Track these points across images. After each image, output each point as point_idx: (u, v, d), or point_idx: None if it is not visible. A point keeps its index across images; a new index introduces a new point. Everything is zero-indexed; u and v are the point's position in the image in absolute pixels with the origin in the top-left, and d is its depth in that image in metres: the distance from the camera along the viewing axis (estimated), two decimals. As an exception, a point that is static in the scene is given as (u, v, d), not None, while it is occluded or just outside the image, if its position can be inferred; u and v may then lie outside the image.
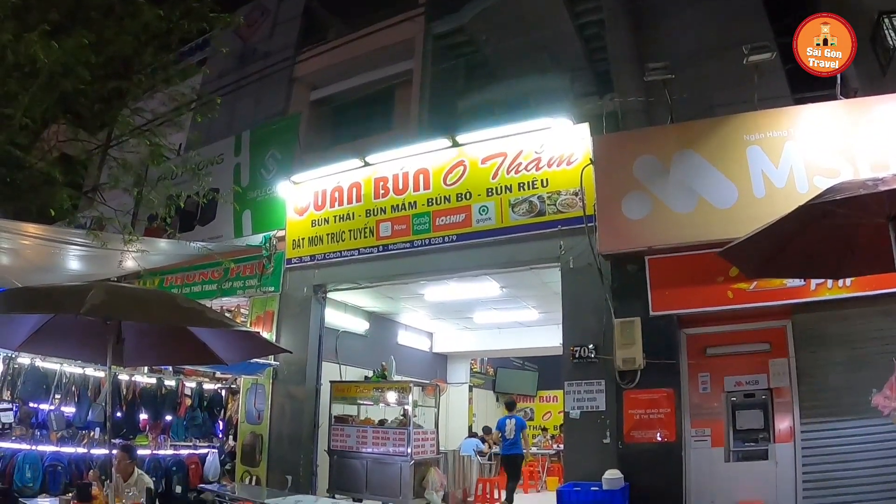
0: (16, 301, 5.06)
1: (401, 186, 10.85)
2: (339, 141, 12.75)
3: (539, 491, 14.81)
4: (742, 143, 8.26)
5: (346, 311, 13.58)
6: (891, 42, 9.14)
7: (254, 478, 11.24)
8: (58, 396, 9.77)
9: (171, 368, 11.20)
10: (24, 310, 5.21)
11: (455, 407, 17.80)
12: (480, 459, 13.88)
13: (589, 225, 8.94)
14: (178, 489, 10.53)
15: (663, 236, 8.33)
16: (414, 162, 10.79)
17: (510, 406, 14.05)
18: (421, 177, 10.68)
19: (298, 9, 17.64)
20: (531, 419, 22.18)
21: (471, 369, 19.19)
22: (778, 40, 9.31)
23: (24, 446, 9.02)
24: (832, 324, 8.18)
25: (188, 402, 11.65)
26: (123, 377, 10.59)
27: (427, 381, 13.11)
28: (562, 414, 9.22)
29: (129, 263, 11.22)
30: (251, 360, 10.35)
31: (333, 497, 10.44)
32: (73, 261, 11.45)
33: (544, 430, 20.12)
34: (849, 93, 8.45)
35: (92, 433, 9.88)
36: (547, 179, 9.63)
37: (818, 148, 7.95)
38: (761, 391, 8.40)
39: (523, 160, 9.86)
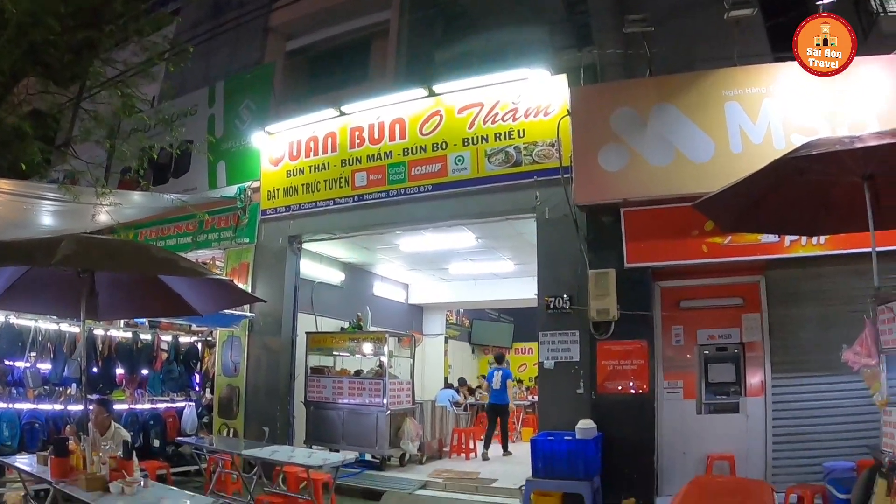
0: (-13, 255, 4.92)
1: (376, 136, 10.69)
2: (315, 91, 12.49)
3: (514, 441, 14.85)
4: (720, 98, 8.17)
5: (321, 263, 13.49)
6: (873, 6, 9.02)
7: (231, 430, 11.24)
8: (33, 353, 9.64)
9: (146, 322, 11.04)
10: (-5, 263, 5.06)
11: (431, 358, 17.90)
12: (456, 410, 13.91)
13: (565, 176, 8.84)
14: (156, 443, 10.49)
15: (639, 189, 8.25)
16: (390, 112, 10.61)
17: (499, 359, 14.15)
18: (397, 126, 10.53)
19: (274, -44, 17.04)
20: (505, 369, 22.37)
21: (446, 321, 19.27)
22: (760, -4, 9.18)
23: (1, 405, 8.92)
24: (805, 281, 8.25)
25: (164, 355, 11.53)
26: (99, 332, 10.47)
27: (403, 333, 13.09)
28: (537, 366, 9.21)
29: (103, 217, 11.07)
30: (226, 312, 10.36)
31: (310, 448, 10.42)
32: (46, 216, 11.29)
33: (519, 381, 20.03)
34: None
35: (68, 389, 9.76)
36: (523, 130, 9.52)
37: (797, 106, 7.89)
38: (733, 345, 8.45)
39: (500, 110, 9.74)
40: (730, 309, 8.55)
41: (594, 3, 12.63)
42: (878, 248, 5.27)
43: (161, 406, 10.98)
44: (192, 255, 12.11)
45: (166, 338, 11.69)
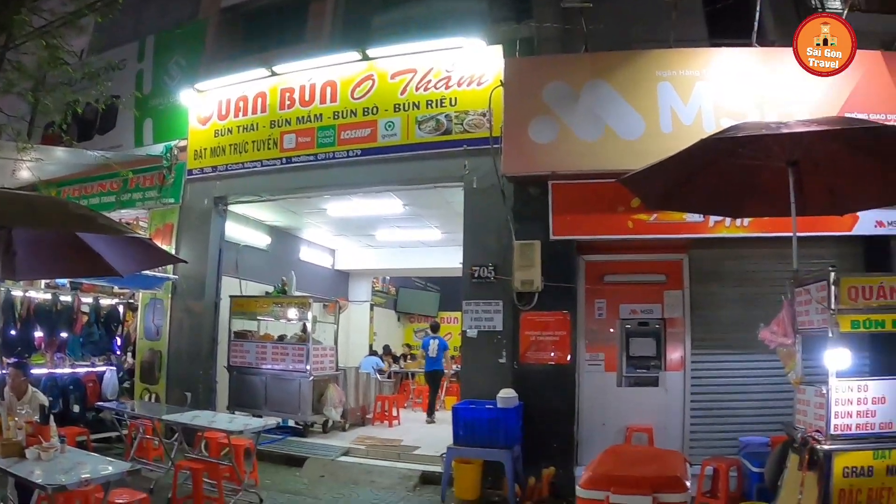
0: None
1: (307, 98, 10.22)
2: (248, 51, 11.86)
3: (437, 410, 14.80)
4: (654, 78, 8.05)
5: (247, 225, 13.01)
6: (813, 2, 8.97)
7: (153, 395, 10.77)
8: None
9: (67, 284, 10.49)
10: None
11: (356, 325, 17.63)
12: (380, 377, 13.75)
13: (495, 146, 8.59)
14: (76, 408, 9.94)
15: (568, 162, 8.05)
16: (322, 74, 10.16)
17: (434, 328, 14.64)
18: (328, 89, 10.08)
19: None
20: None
21: (373, 288, 19.00)
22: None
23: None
24: (727, 261, 8.36)
25: (85, 318, 10.95)
26: (17, 293, 9.90)
27: (328, 298, 12.74)
28: (462, 335, 9.00)
29: (24, 174, 10.50)
30: (148, 274, 9.93)
31: (233, 414, 10.01)
32: (-38, 170, 10.51)
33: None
34: (765, 44, 8.37)
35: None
36: (456, 98, 9.24)
37: (728, 91, 7.88)
38: (655, 320, 8.50)
39: (433, 78, 9.42)
40: (653, 285, 8.57)
41: (534, -24, 12.37)
42: (798, 234, 5.33)
43: (81, 370, 10.37)
44: (115, 215, 11.45)
45: (87, 300, 11.07)
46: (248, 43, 12.29)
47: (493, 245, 8.67)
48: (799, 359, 5.16)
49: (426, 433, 11.28)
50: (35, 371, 8.80)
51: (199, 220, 10.98)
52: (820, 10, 8.67)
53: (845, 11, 7.80)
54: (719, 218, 7.69)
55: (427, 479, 8.44)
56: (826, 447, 4.64)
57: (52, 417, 5.79)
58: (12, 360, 8.00)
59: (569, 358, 8.14)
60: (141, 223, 11.99)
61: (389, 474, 8.66)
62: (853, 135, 5.03)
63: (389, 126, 9.52)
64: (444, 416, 12.50)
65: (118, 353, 11.40)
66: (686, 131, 7.50)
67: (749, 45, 8.19)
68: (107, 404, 9.21)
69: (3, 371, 6.15)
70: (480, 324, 8.64)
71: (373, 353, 16.13)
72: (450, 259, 11.99)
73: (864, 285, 4.85)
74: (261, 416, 9.86)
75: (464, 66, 9.27)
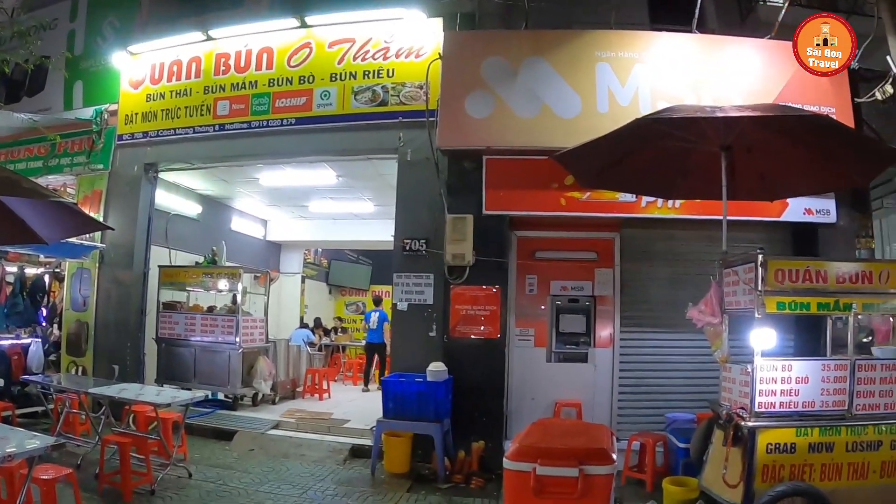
0: None
1: (243, 64, 9.65)
2: (184, 14, 11.12)
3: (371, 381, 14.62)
4: (593, 58, 7.99)
5: (178, 194, 12.38)
6: None
7: (80, 368, 10.16)
8: None
9: (-9, 252, 9.75)
10: None
11: (287, 297, 17.24)
12: (310, 350, 13.39)
13: (430, 119, 8.25)
14: (0, 382, 9.28)
15: (503, 137, 7.87)
16: (259, 40, 9.61)
17: (377, 301, 14.73)
18: (264, 56, 9.54)
19: None
20: (363, 313, 21.98)
21: (304, 260, 18.59)
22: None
23: None
24: (658, 241, 8.36)
25: (9, 288, 10.31)
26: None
27: (259, 269, 12.26)
28: (392, 308, 8.76)
29: (-54, 136, 9.59)
30: (75, 242, 9.40)
31: (161, 387, 9.51)
32: None
33: None
34: (705, 32, 8.35)
35: None
36: (393, 70, 8.87)
37: (666, 75, 7.85)
38: (585, 297, 8.43)
39: (371, 48, 9.02)
40: (584, 263, 8.48)
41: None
42: (729, 217, 5.43)
43: (5, 343, 9.64)
44: (42, 181, 10.74)
45: (11, 269, 10.41)
46: (185, 5, 11.55)
47: (426, 218, 8.39)
48: (725, 338, 5.21)
49: (356, 407, 10.96)
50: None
51: (129, 188, 10.32)
52: (762, 2, 8.69)
53: (785, 4, 7.85)
54: (651, 199, 7.72)
55: (357, 453, 8.17)
56: (750, 424, 4.76)
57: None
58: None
59: (499, 333, 7.97)
60: (69, 190, 11.27)
61: (319, 448, 8.36)
62: (786, 123, 5.05)
63: (325, 95, 9.08)
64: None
65: (44, 324, 10.82)
66: (622, 112, 7.39)
67: (689, 31, 8.15)
68: (32, 378, 8.61)
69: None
70: (411, 297, 8.36)
71: (303, 325, 15.74)
72: (382, 232, 11.74)
73: (791, 268, 4.94)
74: (189, 389, 9.42)
75: (403, 38, 8.92)
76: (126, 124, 10.46)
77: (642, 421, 7.84)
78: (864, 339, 5.87)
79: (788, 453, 4.71)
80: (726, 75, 7.79)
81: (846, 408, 4.86)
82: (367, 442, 8.08)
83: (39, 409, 9.05)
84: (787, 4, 7.82)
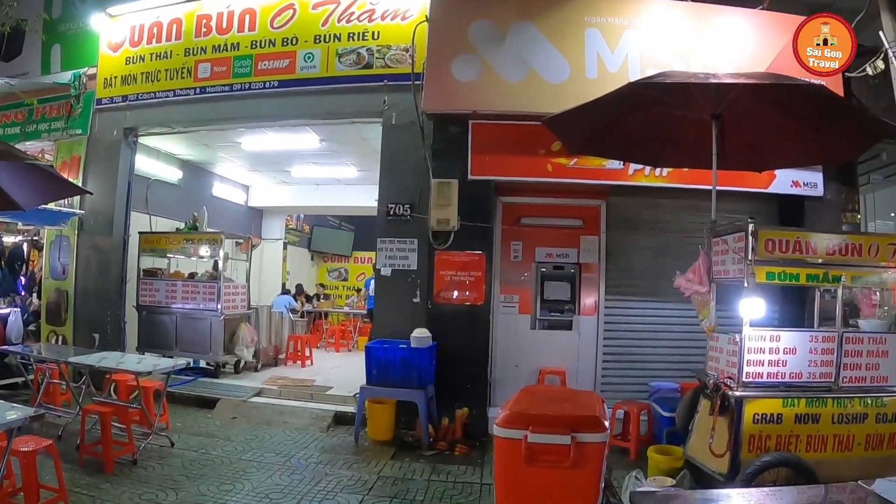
0: None
1: (224, 26, 9.29)
2: (166, -25, 10.86)
3: (350, 350, 14.49)
4: (582, 23, 7.74)
5: (158, 159, 12.07)
6: None
7: (60, 337, 9.93)
8: None
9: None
10: None
11: (269, 263, 16.98)
12: (293, 317, 13.21)
13: (416, 83, 8.00)
14: (-21, 353, 9.07)
15: (490, 102, 7.62)
16: (241, 1, 9.24)
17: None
18: (247, 17, 9.18)
19: None
20: (345, 279, 21.74)
21: (286, 226, 18.26)
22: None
23: None
24: (645, 209, 8.28)
25: (-13, 257, 9.99)
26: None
27: (240, 235, 11.93)
28: (375, 273, 8.62)
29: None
30: (54, 209, 9.16)
31: (142, 355, 9.32)
32: None
33: (358, 290, 19.72)
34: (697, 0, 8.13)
35: None
36: (378, 32, 8.58)
37: (657, 42, 7.69)
38: (571, 265, 8.32)
39: (356, 10, 8.71)
40: (569, 230, 8.35)
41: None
42: (717, 187, 5.31)
43: (-17, 313, 9.43)
44: (20, 147, 10.38)
45: (-11, 238, 10.11)
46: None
47: (410, 183, 8.19)
48: (713, 307, 5.14)
49: (339, 373, 10.84)
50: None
51: (108, 153, 10.00)
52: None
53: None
54: (639, 166, 7.58)
55: (340, 420, 8.07)
56: (737, 393, 4.72)
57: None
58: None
59: (483, 299, 7.84)
60: (47, 156, 10.85)
61: (302, 415, 8.23)
62: (780, 91, 4.90)
63: (309, 58, 8.76)
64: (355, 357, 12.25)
65: (23, 293, 10.58)
66: (611, 78, 7.22)
67: (681, -1, 8.02)
68: (11, 348, 8.41)
69: None
70: (395, 262, 8.20)
71: (285, 292, 15.51)
72: (365, 198, 11.56)
73: (781, 238, 4.89)
74: (171, 357, 9.25)
75: (388, 0, 8.62)
76: (105, 88, 10.09)
77: (626, 389, 7.79)
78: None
79: (775, 424, 4.66)
80: (717, 45, 7.65)
81: (833, 380, 4.84)
82: (351, 409, 7.95)
83: (19, 379, 8.86)
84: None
